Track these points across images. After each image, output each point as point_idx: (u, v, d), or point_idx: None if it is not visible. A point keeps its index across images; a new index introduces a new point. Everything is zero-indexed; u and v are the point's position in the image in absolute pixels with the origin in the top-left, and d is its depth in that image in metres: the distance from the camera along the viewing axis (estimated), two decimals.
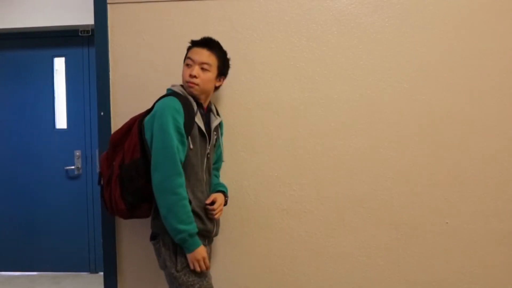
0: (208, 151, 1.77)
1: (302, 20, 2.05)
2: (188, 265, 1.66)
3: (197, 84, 1.71)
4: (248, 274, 2.11)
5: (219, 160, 1.98)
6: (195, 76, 1.70)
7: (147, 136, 1.66)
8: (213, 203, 1.76)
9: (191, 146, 1.67)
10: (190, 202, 1.64)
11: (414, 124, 2.01)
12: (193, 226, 1.61)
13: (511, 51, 1.99)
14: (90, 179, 3.49)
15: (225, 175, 2.07)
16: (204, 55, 1.73)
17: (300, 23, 2.05)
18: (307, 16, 2.05)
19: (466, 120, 2.00)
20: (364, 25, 2.03)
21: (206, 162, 1.77)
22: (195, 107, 1.72)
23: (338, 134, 2.05)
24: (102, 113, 2.12)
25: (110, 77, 2.11)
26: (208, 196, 1.79)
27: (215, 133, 1.84)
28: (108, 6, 2.10)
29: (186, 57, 1.77)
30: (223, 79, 1.84)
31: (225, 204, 1.86)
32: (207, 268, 1.66)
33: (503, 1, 1.98)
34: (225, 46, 2.06)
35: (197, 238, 1.62)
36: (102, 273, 2.19)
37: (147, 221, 1.81)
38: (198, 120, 1.71)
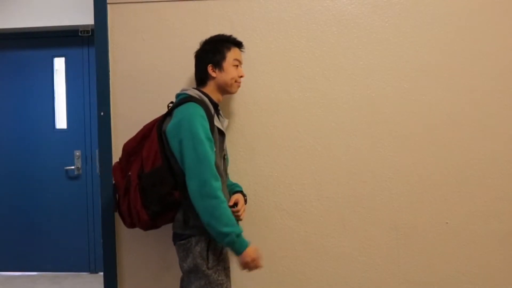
0: (224, 152, 1.80)
1: (302, 20, 2.05)
2: (218, 264, 1.67)
3: (238, 82, 1.82)
4: (248, 274, 2.11)
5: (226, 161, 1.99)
6: (243, 76, 1.83)
7: (173, 144, 1.63)
8: (235, 204, 1.76)
9: (215, 149, 1.67)
10: None
11: (414, 124, 2.01)
12: (238, 227, 1.59)
13: (511, 51, 1.99)
14: (90, 179, 3.49)
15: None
16: (241, 56, 1.85)
17: (300, 23, 2.05)
18: (307, 16, 2.05)
19: (466, 120, 2.00)
20: (364, 25, 2.03)
21: (223, 163, 1.79)
22: (213, 110, 1.72)
23: (338, 134, 2.05)
24: (102, 113, 2.12)
25: (110, 77, 2.11)
26: (229, 196, 1.79)
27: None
28: (108, 6, 2.10)
29: (233, 58, 1.78)
30: None
31: (245, 203, 1.86)
32: (258, 267, 1.63)
33: (503, 1, 1.99)
34: None
35: (243, 238, 1.60)
36: (102, 273, 2.19)
37: None
38: (217, 122, 1.72)
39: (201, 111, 1.63)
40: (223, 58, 1.76)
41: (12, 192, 3.53)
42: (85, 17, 3.23)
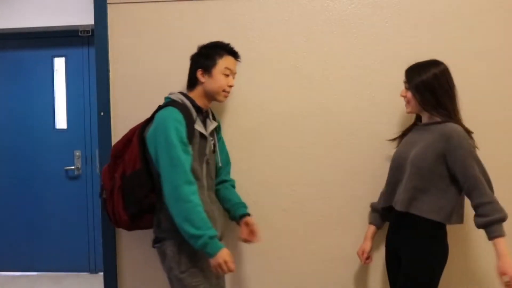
0: (207, 156, 1.77)
1: (302, 20, 2.05)
2: (193, 267, 1.67)
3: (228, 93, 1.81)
4: (248, 274, 2.11)
5: (228, 164, 1.98)
6: (232, 87, 1.80)
7: (150, 149, 1.68)
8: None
9: (192, 153, 1.67)
10: None
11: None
12: (211, 230, 1.59)
13: (511, 51, 1.99)
14: (90, 179, 3.49)
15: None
16: (236, 66, 1.83)
17: (300, 23, 2.05)
18: (307, 16, 2.05)
19: (466, 120, 2.00)
20: (364, 25, 2.03)
21: (206, 167, 1.77)
22: (194, 114, 1.73)
23: (338, 134, 2.05)
24: (102, 113, 2.12)
25: (110, 77, 2.12)
26: (211, 201, 1.78)
27: (211, 138, 1.83)
28: (108, 6, 2.10)
29: (224, 67, 1.77)
30: None
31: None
32: (231, 270, 1.63)
33: (503, 1, 1.98)
34: None
35: (217, 241, 1.61)
36: (102, 273, 2.19)
37: None
38: (199, 126, 1.73)
39: (178, 115, 1.65)
40: (214, 64, 1.76)
41: (12, 192, 3.53)
42: (85, 17, 3.22)
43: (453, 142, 1.62)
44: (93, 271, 3.54)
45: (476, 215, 1.63)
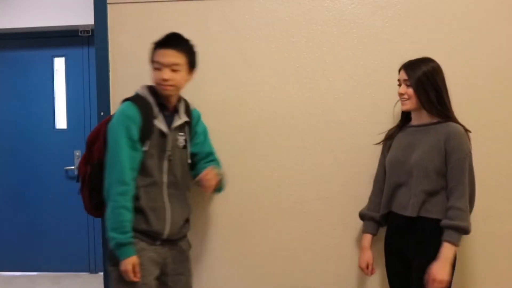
0: (169, 152, 1.73)
1: (302, 20, 2.05)
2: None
3: (172, 86, 1.69)
4: (248, 274, 2.11)
5: (208, 156, 1.89)
6: (167, 80, 1.67)
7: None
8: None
9: (146, 149, 1.67)
10: (139, 200, 1.66)
11: None
12: (124, 236, 1.62)
13: (511, 51, 1.99)
14: None
15: (225, 175, 2.07)
16: (172, 56, 1.68)
17: (300, 23, 2.05)
18: (307, 16, 2.05)
19: (466, 120, 2.00)
20: (364, 25, 2.03)
21: (168, 164, 1.73)
22: (156, 110, 1.71)
23: (338, 134, 2.05)
24: (102, 113, 2.12)
25: (110, 77, 2.12)
26: (169, 198, 1.74)
27: (181, 133, 1.78)
28: (108, 6, 2.10)
29: (153, 60, 1.72)
30: (194, 71, 1.79)
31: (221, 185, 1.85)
32: (135, 279, 1.63)
33: (503, 1, 1.98)
34: (225, 46, 2.07)
35: (127, 248, 1.63)
36: (102, 273, 2.18)
37: None
38: (159, 122, 1.70)
39: (132, 111, 1.66)
40: (151, 60, 1.76)
41: (12, 192, 3.53)
42: (85, 17, 3.22)
43: (454, 143, 1.62)
44: (93, 271, 3.54)
45: (445, 216, 1.62)
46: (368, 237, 1.87)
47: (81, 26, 3.32)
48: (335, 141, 2.04)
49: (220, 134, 2.07)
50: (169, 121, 1.74)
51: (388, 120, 2.02)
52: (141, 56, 2.09)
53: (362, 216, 1.91)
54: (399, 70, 1.77)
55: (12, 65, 3.50)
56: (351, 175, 2.04)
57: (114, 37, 2.11)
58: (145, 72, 2.10)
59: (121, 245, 1.62)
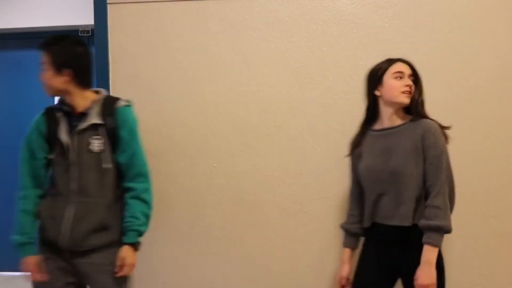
0: (73, 159, 1.63)
1: (302, 20, 2.05)
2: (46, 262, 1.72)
3: (46, 86, 1.79)
4: (248, 274, 2.11)
5: (129, 168, 1.67)
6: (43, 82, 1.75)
7: None
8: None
9: (53, 157, 1.69)
10: (42, 209, 1.72)
11: None
12: (22, 237, 1.73)
13: (511, 51, 1.99)
14: None
15: (225, 175, 2.07)
16: (42, 56, 1.79)
17: (300, 23, 2.05)
18: (307, 16, 2.05)
19: (466, 120, 2.00)
20: (364, 25, 2.03)
21: (77, 170, 1.63)
22: (60, 116, 1.70)
23: (338, 134, 2.05)
24: None
25: (110, 77, 2.11)
26: (65, 208, 1.65)
27: (96, 137, 1.64)
28: (108, 6, 2.10)
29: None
30: (69, 72, 1.70)
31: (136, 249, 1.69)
32: (41, 279, 1.67)
33: (503, 1, 1.98)
34: (225, 46, 2.07)
35: (26, 248, 1.73)
36: None
37: None
38: (60, 128, 1.67)
39: (38, 119, 1.77)
40: None
41: (12, 192, 3.52)
42: (85, 17, 3.23)
43: (430, 140, 1.56)
44: None
45: (423, 216, 1.54)
46: (347, 252, 1.79)
47: (81, 26, 3.32)
48: (335, 141, 2.04)
49: (220, 134, 2.08)
50: (75, 125, 1.65)
51: None
52: (141, 56, 2.10)
53: (344, 229, 1.82)
54: (394, 62, 1.67)
55: (12, 65, 3.49)
56: None
57: (114, 37, 2.11)
58: (145, 72, 2.10)
59: (20, 244, 1.72)
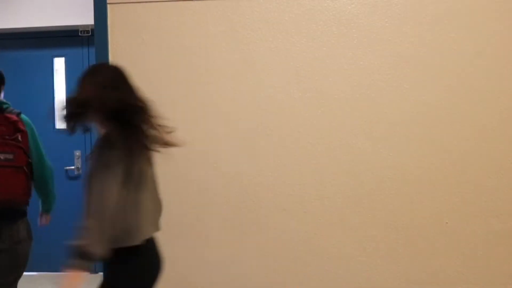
0: None
1: (302, 20, 2.05)
2: None
3: None
4: (248, 274, 2.11)
5: (38, 169, 2.13)
6: None
7: None
8: None
9: None
10: None
11: (413, 124, 2.01)
12: None
13: (511, 51, 1.99)
14: None
15: (225, 175, 2.07)
16: None
17: (300, 23, 2.05)
18: (307, 16, 2.05)
19: (466, 120, 2.00)
20: (364, 25, 2.03)
21: None
22: None
23: (338, 134, 2.05)
24: None
25: None
26: None
27: None
28: (108, 6, 2.10)
29: None
30: None
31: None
32: None
33: (503, 1, 1.98)
34: (225, 46, 2.06)
35: None
36: (102, 273, 2.18)
37: None
38: None
39: None
40: None
41: None
42: (85, 17, 3.23)
43: None
44: (93, 271, 3.53)
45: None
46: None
47: (81, 26, 3.33)
48: (335, 141, 2.04)
49: (220, 134, 2.08)
50: None
51: (388, 120, 2.02)
52: (141, 56, 2.10)
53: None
54: None
55: (12, 65, 3.49)
56: (351, 175, 2.04)
57: (114, 37, 2.11)
58: (145, 72, 2.10)
59: None
